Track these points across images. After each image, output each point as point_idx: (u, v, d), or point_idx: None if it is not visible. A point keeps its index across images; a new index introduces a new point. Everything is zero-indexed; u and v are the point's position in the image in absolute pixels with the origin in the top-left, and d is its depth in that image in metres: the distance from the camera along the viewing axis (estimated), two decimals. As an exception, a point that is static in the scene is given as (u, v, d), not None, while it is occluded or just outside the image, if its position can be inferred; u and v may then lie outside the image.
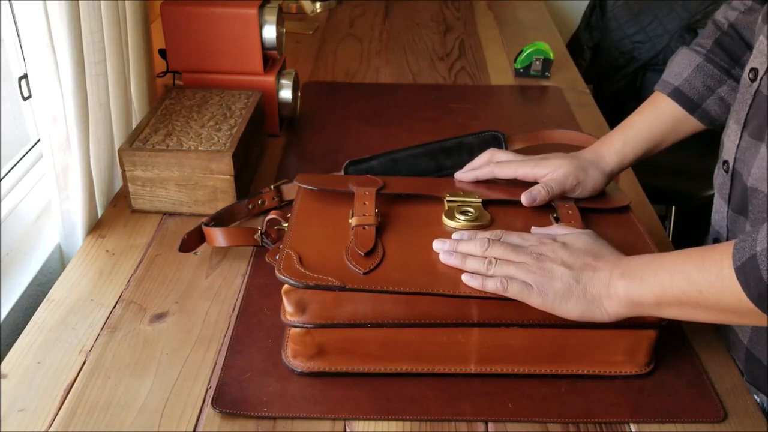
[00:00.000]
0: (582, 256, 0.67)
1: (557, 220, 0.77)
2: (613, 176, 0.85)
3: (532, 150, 0.95)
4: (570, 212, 0.78)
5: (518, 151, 0.90)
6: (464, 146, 1.02)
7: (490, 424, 0.67)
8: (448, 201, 0.78)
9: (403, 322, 0.67)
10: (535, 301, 0.65)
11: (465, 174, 0.85)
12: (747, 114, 0.71)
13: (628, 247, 0.72)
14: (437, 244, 0.71)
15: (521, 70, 1.41)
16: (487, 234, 0.71)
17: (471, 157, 0.91)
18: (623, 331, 0.68)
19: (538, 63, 1.40)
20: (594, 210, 0.80)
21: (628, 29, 1.84)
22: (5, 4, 0.93)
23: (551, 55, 1.40)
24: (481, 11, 1.78)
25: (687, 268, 0.61)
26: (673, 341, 0.75)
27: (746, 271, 0.56)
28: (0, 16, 0.95)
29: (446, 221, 0.76)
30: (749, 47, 0.80)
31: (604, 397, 0.69)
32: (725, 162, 0.75)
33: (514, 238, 0.70)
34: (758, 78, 0.69)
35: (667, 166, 1.55)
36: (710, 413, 0.68)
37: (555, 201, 0.80)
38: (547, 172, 0.81)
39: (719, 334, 0.78)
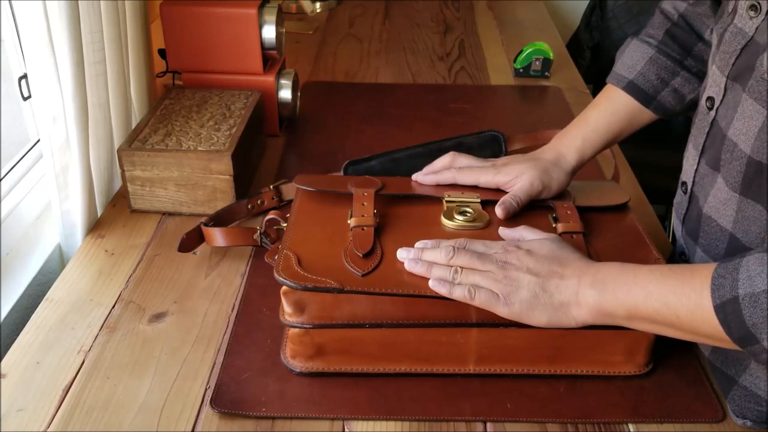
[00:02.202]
0: (548, 264, 0.66)
1: (556, 220, 0.77)
2: (575, 173, 0.85)
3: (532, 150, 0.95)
4: (569, 212, 0.77)
5: (518, 151, 0.90)
6: (464, 146, 1.01)
7: (488, 424, 0.67)
8: (447, 201, 0.78)
9: (402, 322, 0.67)
10: (501, 310, 0.65)
11: (425, 177, 0.84)
12: (705, 142, 0.70)
13: (627, 247, 0.72)
14: (401, 253, 0.70)
15: (521, 70, 1.41)
16: (451, 242, 0.69)
17: (470, 157, 0.90)
18: (622, 332, 0.68)
19: (537, 63, 1.40)
20: (593, 209, 0.80)
21: (628, 29, 1.84)
22: (5, 4, 0.93)
23: (551, 55, 1.39)
24: (481, 11, 1.78)
25: (663, 292, 0.60)
26: (672, 341, 0.75)
27: (726, 312, 0.55)
28: (0, 16, 0.95)
29: (445, 221, 0.76)
30: (700, 38, 0.81)
31: (603, 397, 0.69)
32: (684, 183, 0.75)
33: (479, 245, 0.69)
34: (714, 108, 0.68)
35: (667, 166, 1.54)
36: (709, 413, 0.68)
37: (553, 201, 0.80)
38: (509, 179, 0.80)
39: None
